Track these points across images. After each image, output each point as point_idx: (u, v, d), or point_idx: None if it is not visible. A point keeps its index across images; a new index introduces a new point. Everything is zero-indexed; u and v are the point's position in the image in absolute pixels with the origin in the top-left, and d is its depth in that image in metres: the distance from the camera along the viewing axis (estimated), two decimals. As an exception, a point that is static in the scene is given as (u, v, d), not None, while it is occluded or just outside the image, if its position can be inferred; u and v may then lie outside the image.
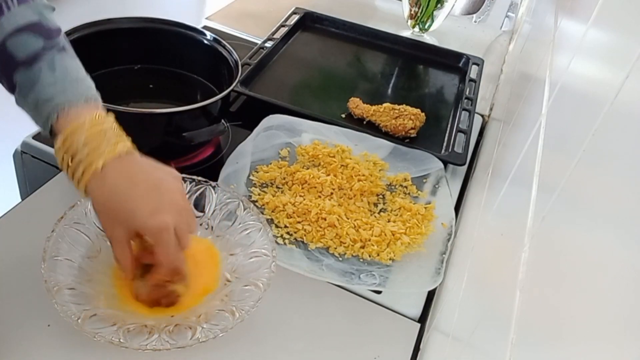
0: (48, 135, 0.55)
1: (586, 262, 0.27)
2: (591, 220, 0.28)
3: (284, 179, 0.80)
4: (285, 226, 0.73)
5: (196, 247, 0.64)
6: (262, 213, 0.73)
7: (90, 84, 0.57)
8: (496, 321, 0.38)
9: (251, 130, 0.86)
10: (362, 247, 0.72)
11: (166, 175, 0.56)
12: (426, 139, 0.95)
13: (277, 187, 0.79)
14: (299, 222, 0.73)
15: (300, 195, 0.77)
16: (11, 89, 0.55)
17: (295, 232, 0.72)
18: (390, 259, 0.71)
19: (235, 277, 0.62)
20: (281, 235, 0.71)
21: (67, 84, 0.54)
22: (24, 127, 0.87)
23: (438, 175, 0.86)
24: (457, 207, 0.85)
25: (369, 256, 0.71)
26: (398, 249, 0.72)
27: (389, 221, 0.76)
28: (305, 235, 0.72)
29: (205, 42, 0.90)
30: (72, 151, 0.53)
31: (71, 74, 0.55)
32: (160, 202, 0.53)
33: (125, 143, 0.55)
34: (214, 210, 0.68)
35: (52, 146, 0.79)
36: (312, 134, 0.89)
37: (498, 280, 0.42)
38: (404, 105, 0.96)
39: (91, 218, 0.63)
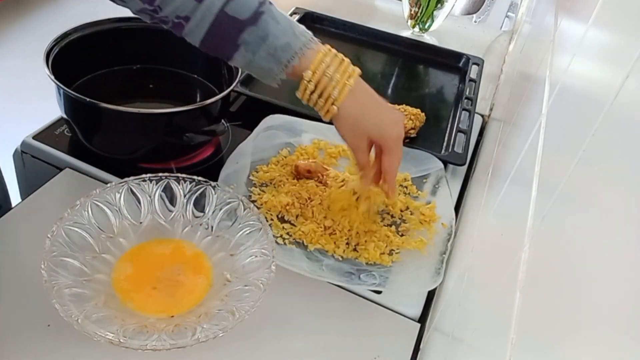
0: (281, 76, 0.63)
1: (586, 262, 0.27)
2: (591, 221, 0.28)
3: (284, 177, 0.80)
4: (284, 227, 0.73)
5: (186, 253, 0.66)
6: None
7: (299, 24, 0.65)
8: (496, 321, 0.38)
9: (251, 130, 0.86)
10: (362, 247, 0.72)
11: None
12: (426, 139, 0.95)
13: (274, 187, 0.79)
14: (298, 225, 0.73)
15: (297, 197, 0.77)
16: (232, 50, 0.62)
17: (294, 233, 0.72)
18: (390, 259, 0.71)
19: (235, 277, 0.62)
20: (281, 235, 0.71)
21: (295, 29, 0.62)
22: (24, 127, 0.87)
23: (438, 175, 0.86)
24: (457, 207, 0.85)
25: (369, 256, 0.71)
26: (398, 249, 0.72)
27: (390, 223, 0.76)
28: (304, 237, 0.72)
29: (205, 42, 0.90)
30: (324, 81, 0.62)
31: (290, 21, 0.63)
32: (396, 116, 0.66)
33: (354, 66, 0.65)
34: (214, 210, 0.68)
35: (51, 146, 0.80)
36: (312, 134, 0.89)
37: (498, 280, 0.42)
38: (404, 105, 0.96)
39: (91, 218, 0.63)
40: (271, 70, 0.63)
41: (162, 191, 0.68)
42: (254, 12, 0.60)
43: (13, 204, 0.73)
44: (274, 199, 0.75)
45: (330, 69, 0.62)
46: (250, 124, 0.88)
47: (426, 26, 1.33)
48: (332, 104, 0.63)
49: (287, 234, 0.72)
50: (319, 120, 0.90)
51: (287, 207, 0.74)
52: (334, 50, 0.64)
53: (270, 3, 0.63)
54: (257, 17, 0.61)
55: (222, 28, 0.61)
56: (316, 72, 0.62)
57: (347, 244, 0.72)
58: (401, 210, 0.79)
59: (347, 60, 0.64)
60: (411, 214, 0.79)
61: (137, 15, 0.63)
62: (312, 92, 0.63)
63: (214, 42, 0.62)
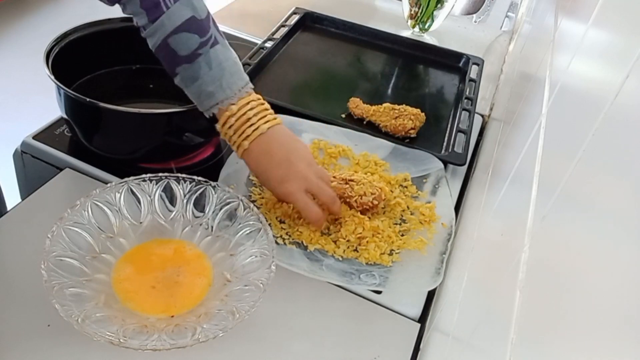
0: (206, 115, 0.70)
1: (586, 262, 0.27)
2: (591, 220, 0.28)
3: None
4: (283, 227, 0.73)
5: (187, 253, 0.66)
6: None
7: (240, 70, 0.69)
8: (496, 321, 0.38)
9: (251, 130, 0.85)
10: (363, 247, 0.72)
11: (298, 145, 0.71)
12: (426, 139, 0.95)
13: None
14: (296, 227, 0.73)
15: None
16: (172, 73, 0.68)
17: (293, 233, 0.72)
18: (390, 259, 0.71)
19: (235, 277, 0.62)
20: (281, 236, 0.71)
21: (224, 80, 0.67)
22: (24, 127, 0.87)
23: (438, 175, 0.86)
24: (457, 207, 0.85)
25: (369, 256, 0.71)
26: (398, 249, 0.72)
27: (393, 224, 0.76)
28: (304, 237, 0.71)
29: (205, 42, 0.90)
30: (229, 135, 0.69)
31: (225, 69, 0.67)
32: (287, 172, 0.68)
33: (265, 122, 0.69)
34: (214, 210, 0.68)
35: (51, 146, 0.80)
36: (312, 134, 0.89)
37: (498, 280, 0.42)
38: (404, 105, 0.96)
39: (91, 218, 0.63)
40: (199, 105, 0.70)
41: (162, 191, 0.68)
42: (192, 52, 0.66)
43: (14, 204, 0.73)
44: (275, 204, 0.74)
45: (232, 128, 0.68)
46: (250, 124, 0.88)
47: (426, 26, 1.33)
48: (239, 156, 0.70)
49: (287, 234, 0.72)
50: (319, 120, 0.91)
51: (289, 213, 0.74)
52: (249, 106, 0.68)
53: (215, 41, 0.67)
54: (194, 58, 0.66)
55: (165, 54, 0.67)
56: (224, 127, 0.69)
57: (348, 241, 0.72)
58: (401, 210, 0.79)
59: (255, 118, 0.68)
60: (411, 214, 0.79)
61: (111, 6, 0.68)
62: (230, 127, 0.69)
63: (160, 58, 0.68)
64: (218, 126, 0.69)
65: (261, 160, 0.69)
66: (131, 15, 0.68)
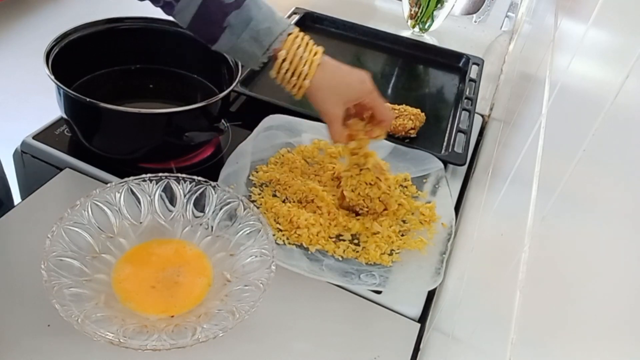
0: (263, 60, 0.69)
1: (586, 262, 0.27)
2: (591, 221, 0.28)
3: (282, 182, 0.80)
4: (279, 229, 0.72)
5: (187, 253, 0.66)
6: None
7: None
8: (496, 321, 0.38)
9: (251, 130, 0.86)
10: (363, 247, 0.72)
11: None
12: (426, 139, 0.95)
13: (273, 188, 0.79)
14: (293, 229, 0.73)
15: (297, 201, 0.76)
16: (218, 32, 0.67)
17: (290, 236, 0.72)
18: (390, 259, 0.71)
19: (235, 277, 0.62)
20: (279, 237, 0.71)
21: (275, 15, 0.68)
22: (24, 127, 0.87)
23: (438, 175, 0.86)
24: (457, 207, 0.85)
25: (369, 256, 0.71)
26: (398, 249, 0.72)
27: (391, 225, 0.76)
28: (303, 240, 0.71)
29: (205, 42, 0.90)
30: (296, 59, 0.68)
31: (271, 7, 0.69)
32: (360, 75, 0.71)
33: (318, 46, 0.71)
34: (214, 210, 0.68)
35: (51, 146, 0.80)
36: (312, 134, 0.89)
37: (498, 280, 0.42)
38: (404, 105, 0.96)
39: (91, 218, 0.63)
40: (254, 53, 0.68)
41: (162, 191, 0.68)
42: None
43: (14, 204, 0.73)
44: (271, 201, 0.74)
45: (300, 49, 0.69)
46: (250, 124, 0.88)
47: (426, 26, 1.33)
48: (304, 79, 0.69)
49: (285, 237, 0.72)
50: (319, 120, 0.91)
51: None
52: (301, 33, 0.70)
53: None
54: (241, 2, 0.66)
55: (209, 10, 0.66)
56: (289, 52, 0.68)
57: (352, 241, 0.72)
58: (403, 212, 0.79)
59: (311, 41, 0.71)
60: (411, 214, 0.79)
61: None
62: (286, 71, 0.69)
63: (201, 23, 0.67)
64: (281, 56, 0.68)
65: (335, 70, 0.70)
66: None
